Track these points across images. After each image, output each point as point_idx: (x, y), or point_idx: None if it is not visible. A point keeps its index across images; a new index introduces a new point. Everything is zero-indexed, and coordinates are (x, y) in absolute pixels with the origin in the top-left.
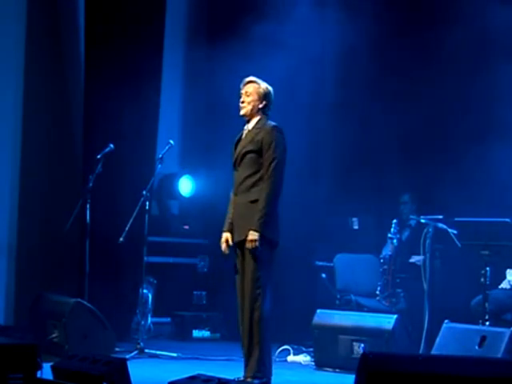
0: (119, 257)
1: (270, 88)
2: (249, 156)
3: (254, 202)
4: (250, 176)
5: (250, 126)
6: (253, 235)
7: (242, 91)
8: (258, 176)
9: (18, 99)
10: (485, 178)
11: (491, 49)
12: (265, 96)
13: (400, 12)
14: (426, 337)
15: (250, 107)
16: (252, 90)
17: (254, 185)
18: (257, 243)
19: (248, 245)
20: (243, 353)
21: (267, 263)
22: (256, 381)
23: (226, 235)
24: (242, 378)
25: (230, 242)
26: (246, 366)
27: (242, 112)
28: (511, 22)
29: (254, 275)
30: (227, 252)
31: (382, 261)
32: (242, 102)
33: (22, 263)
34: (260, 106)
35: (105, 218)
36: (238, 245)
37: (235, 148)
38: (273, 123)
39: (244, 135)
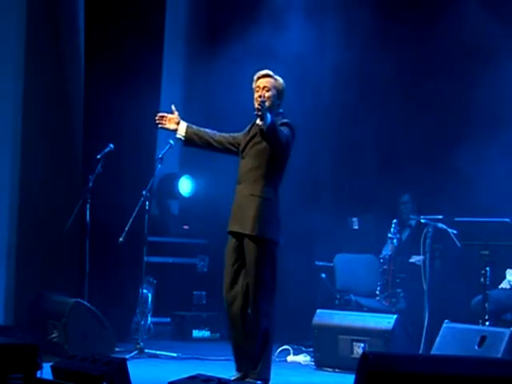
0: (119, 257)
1: (284, 82)
2: (256, 147)
3: (256, 196)
4: (254, 168)
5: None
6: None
7: (258, 84)
8: (261, 171)
9: (17, 99)
10: (485, 178)
11: (487, 48)
12: (282, 91)
13: (391, 22)
14: (425, 337)
15: (269, 103)
16: (270, 85)
17: (257, 180)
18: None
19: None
20: (242, 351)
21: (270, 264)
22: (259, 382)
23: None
24: (235, 377)
25: (168, 122)
26: (253, 366)
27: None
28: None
29: (257, 279)
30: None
31: (381, 261)
32: (261, 97)
33: (21, 263)
34: (278, 101)
35: (105, 218)
36: (236, 236)
37: (247, 136)
38: (285, 120)
39: (254, 126)
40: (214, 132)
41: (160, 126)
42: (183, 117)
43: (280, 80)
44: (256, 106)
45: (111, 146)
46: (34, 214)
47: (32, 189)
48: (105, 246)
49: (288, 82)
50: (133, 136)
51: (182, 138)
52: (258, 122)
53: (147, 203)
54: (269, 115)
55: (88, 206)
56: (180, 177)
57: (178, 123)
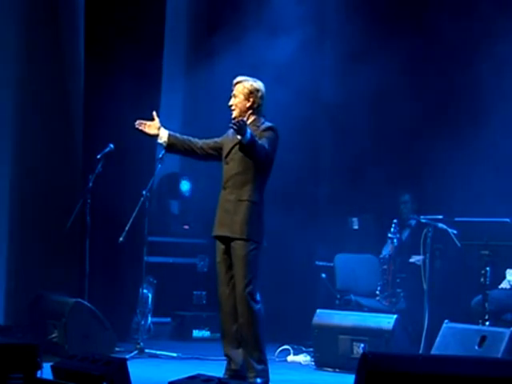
0: (119, 257)
1: (257, 84)
2: (240, 152)
3: (243, 201)
4: (239, 173)
5: None
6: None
7: (231, 94)
8: (248, 176)
9: (18, 99)
10: (485, 178)
11: (488, 44)
12: (250, 94)
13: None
14: (425, 337)
15: (238, 110)
16: (237, 91)
17: (244, 184)
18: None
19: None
20: (232, 350)
21: (255, 265)
22: (258, 379)
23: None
24: (225, 376)
25: (148, 128)
26: (249, 366)
27: (232, 115)
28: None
29: (246, 279)
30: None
31: (381, 261)
32: (231, 106)
33: (21, 263)
34: (247, 104)
35: (105, 218)
36: (223, 240)
37: (230, 141)
38: (269, 123)
39: None
40: (196, 139)
41: (140, 130)
42: (183, 117)
43: (248, 84)
44: (232, 123)
45: (111, 146)
46: (34, 214)
47: (32, 189)
48: (105, 245)
49: (286, 85)
50: (133, 136)
51: (164, 144)
52: (238, 136)
53: (147, 203)
54: (248, 130)
55: (88, 205)
56: (180, 176)
57: (158, 129)
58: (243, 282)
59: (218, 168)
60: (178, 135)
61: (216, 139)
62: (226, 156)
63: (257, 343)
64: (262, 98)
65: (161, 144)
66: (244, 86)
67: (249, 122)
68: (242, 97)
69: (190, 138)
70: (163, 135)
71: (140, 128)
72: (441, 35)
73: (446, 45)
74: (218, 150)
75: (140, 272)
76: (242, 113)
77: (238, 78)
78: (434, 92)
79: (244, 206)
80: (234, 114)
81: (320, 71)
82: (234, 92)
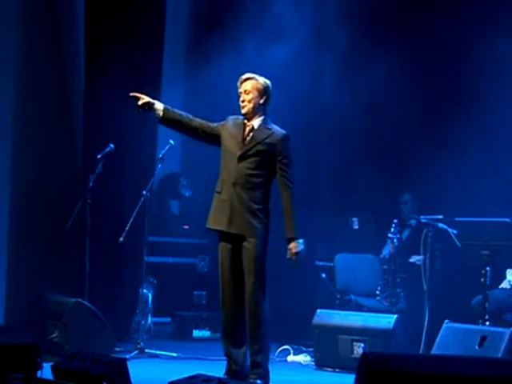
0: (119, 257)
1: (269, 82)
2: (260, 155)
3: (256, 203)
4: (253, 176)
5: (255, 124)
6: (298, 246)
7: (241, 90)
8: (262, 179)
9: (17, 99)
10: (485, 178)
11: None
12: (264, 91)
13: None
14: (425, 337)
15: (251, 105)
16: (250, 87)
17: (257, 186)
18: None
19: (294, 255)
20: (233, 349)
21: (265, 266)
22: (259, 381)
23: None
24: (225, 376)
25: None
26: (252, 366)
27: (243, 111)
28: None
29: (258, 280)
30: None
31: (382, 261)
32: (243, 101)
33: (22, 263)
34: (261, 101)
35: (105, 217)
36: (229, 236)
37: (242, 140)
38: (283, 130)
39: (248, 130)
40: (190, 118)
41: (141, 110)
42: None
43: (261, 80)
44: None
45: (111, 145)
46: (35, 214)
47: (32, 189)
48: (105, 245)
49: (286, 87)
50: (133, 136)
51: (157, 118)
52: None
53: (147, 203)
54: (301, 249)
55: (88, 205)
56: (180, 176)
57: (149, 105)
58: (255, 282)
59: (218, 168)
60: (170, 112)
61: (213, 126)
62: (241, 155)
63: (262, 344)
64: (271, 96)
65: (153, 118)
66: (258, 81)
67: (258, 122)
68: (256, 93)
69: (183, 116)
70: (158, 108)
71: (141, 108)
72: (436, 38)
73: (442, 46)
74: (214, 137)
75: (140, 272)
76: (254, 110)
77: (249, 75)
78: (434, 92)
79: (256, 207)
80: (245, 110)
81: (319, 73)
82: (246, 88)
